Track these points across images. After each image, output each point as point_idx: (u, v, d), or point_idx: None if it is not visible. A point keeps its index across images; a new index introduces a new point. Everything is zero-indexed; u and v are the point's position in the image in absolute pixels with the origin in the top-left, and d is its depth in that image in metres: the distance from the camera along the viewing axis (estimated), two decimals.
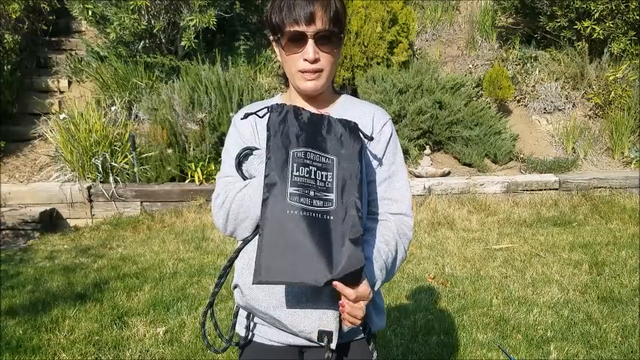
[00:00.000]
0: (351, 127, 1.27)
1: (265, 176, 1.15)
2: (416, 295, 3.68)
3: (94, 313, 3.45)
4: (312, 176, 1.17)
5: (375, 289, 1.25)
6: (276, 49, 1.35)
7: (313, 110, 1.35)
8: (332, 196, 1.17)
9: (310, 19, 1.23)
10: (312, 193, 1.15)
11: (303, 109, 1.25)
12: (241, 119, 1.33)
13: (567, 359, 2.85)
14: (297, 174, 1.15)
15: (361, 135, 1.27)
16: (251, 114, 1.29)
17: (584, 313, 3.35)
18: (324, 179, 1.18)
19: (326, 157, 1.21)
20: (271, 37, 1.33)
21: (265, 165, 1.16)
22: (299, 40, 1.26)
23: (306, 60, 1.27)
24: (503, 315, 3.35)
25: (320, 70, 1.29)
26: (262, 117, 1.27)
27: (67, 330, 3.22)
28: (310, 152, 1.19)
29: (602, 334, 3.08)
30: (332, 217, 1.16)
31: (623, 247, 4.48)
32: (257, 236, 1.28)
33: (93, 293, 3.79)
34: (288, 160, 1.16)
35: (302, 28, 1.24)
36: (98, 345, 3.05)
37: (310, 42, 1.25)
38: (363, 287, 1.18)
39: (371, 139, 1.31)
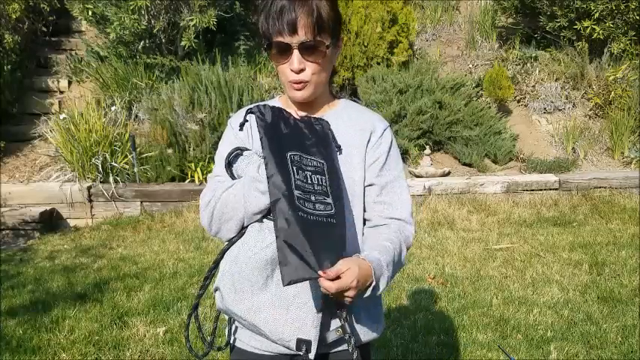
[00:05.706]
0: (325, 130, 1.29)
1: (269, 177, 1.14)
2: (416, 295, 3.69)
3: (94, 313, 3.45)
4: (309, 181, 1.17)
5: (382, 285, 1.20)
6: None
7: (304, 114, 1.36)
8: (329, 200, 1.17)
9: (293, 30, 1.23)
10: (313, 198, 1.15)
11: (288, 112, 1.27)
12: (239, 130, 1.34)
13: (567, 359, 2.85)
14: (298, 177, 1.15)
15: (331, 140, 1.29)
16: (244, 122, 1.32)
17: (584, 313, 3.35)
18: (320, 182, 1.18)
19: (317, 161, 1.21)
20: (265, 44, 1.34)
21: (266, 167, 1.16)
22: (285, 50, 1.26)
23: (292, 70, 1.27)
24: (503, 315, 3.35)
25: (305, 81, 1.28)
26: (248, 120, 1.30)
27: (67, 330, 3.22)
28: (303, 157, 1.20)
29: (602, 334, 3.08)
30: (334, 221, 1.16)
31: (623, 247, 4.48)
32: (242, 237, 1.28)
33: (93, 293, 3.79)
34: (287, 163, 1.16)
35: (286, 39, 1.24)
36: (98, 345, 3.05)
37: (295, 52, 1.25)
38: (344, 279, 1.11)
39: (339, 147, 1.31)
